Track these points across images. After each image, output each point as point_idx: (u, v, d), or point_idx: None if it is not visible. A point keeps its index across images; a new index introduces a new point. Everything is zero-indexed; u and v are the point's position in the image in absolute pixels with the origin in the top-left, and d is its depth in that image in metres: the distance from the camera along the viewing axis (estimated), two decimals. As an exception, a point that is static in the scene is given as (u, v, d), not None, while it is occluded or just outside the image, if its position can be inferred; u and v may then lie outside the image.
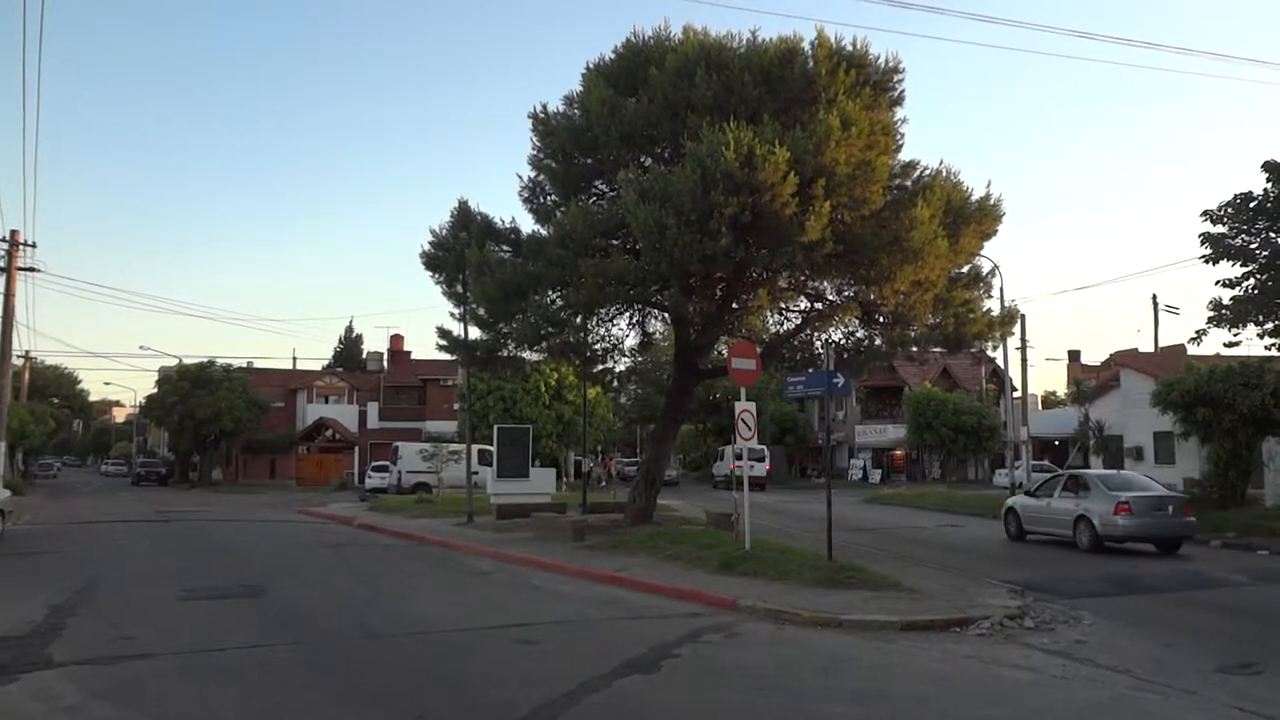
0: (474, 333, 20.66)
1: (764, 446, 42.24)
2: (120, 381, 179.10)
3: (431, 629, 9.59)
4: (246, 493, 45.98)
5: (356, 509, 29.31)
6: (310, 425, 58.75)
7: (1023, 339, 34.71)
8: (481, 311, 19.03)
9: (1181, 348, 31.83)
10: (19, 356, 44.16)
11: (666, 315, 19.49)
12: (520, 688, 7.03)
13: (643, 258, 15.38)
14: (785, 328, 19.59)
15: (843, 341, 18.68)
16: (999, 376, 42.93)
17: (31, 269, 34.12)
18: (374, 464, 45.85)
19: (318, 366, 71.94)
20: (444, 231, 19.99)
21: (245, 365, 59.83)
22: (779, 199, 13.76)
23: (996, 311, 19.49)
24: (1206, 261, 23.03)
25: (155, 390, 54.75)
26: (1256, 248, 22.44)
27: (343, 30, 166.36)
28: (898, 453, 53.31)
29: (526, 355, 20.62)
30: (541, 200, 19.22)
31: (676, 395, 20.39)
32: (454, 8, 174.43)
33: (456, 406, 49.18)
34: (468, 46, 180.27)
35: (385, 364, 65.73)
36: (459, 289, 20.28)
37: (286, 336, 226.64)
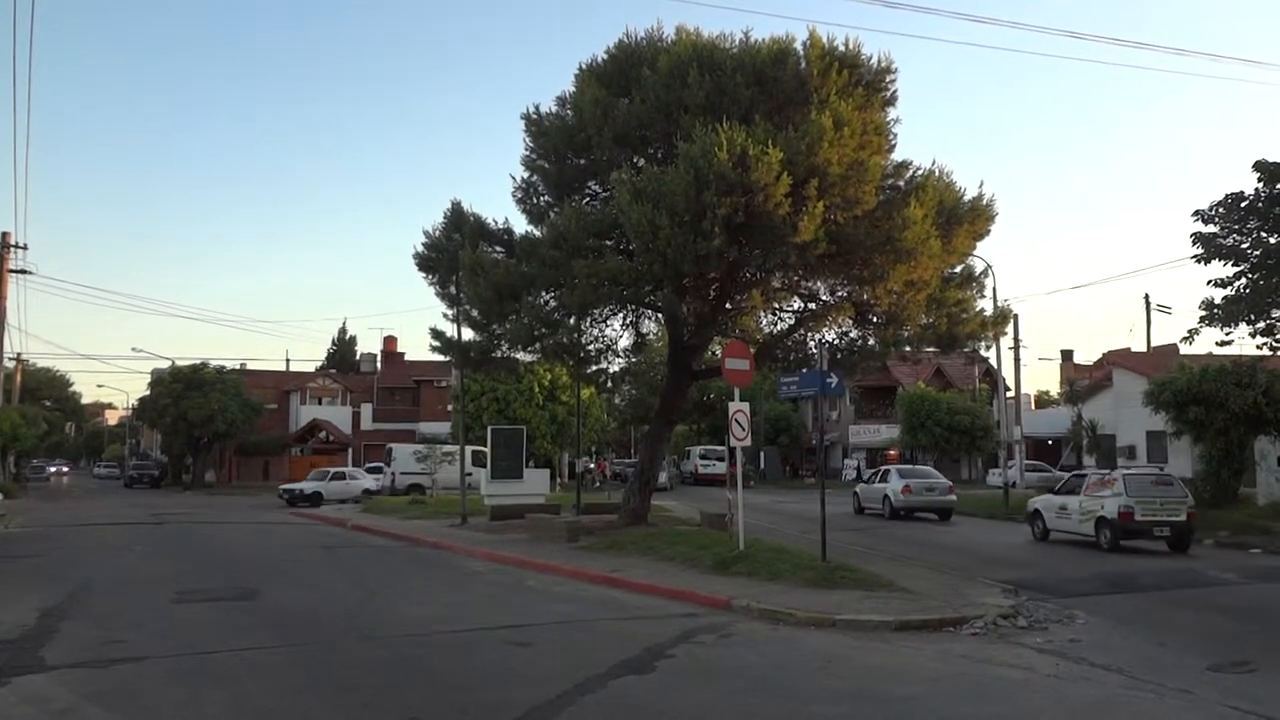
0: (467, 334, 20.66)
1: (724, 447, 42.39)
2: (113, 384, 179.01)
3: (425, 630, 9.57)
4: (240, 495, 45.85)
5: (351, 510, 29.28)
6: (304, 427, 58.67)
7: (1016, 339, 34.85)
8: (475, 313, 19.02)
9: (1174, 347, 32.03)
10: (10, 359, 43.98)
11: (660, 316, 19.48)
12: (515, 689, 7.03)
13: (636, 258, 15.38)
14: (779, 328, 19.60)
15: (836, 341, 18.71)
16: (992, 376, 43.00)
17: (23, 271, 34.16)
18: (368, 466, 45.77)
19: (311, 368, 72.02)
20: (437, 233, 19.97)
21: (238, 367, 59.72)
22: (772, 199, 13.78)
23: (989, 311, 19.54)
24: (1198, 261, 23.14)
25: (148, 392, 54.57)
26: (1248, 247, 22.55)
27: (335, 33, 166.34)
28: (891, 453, 53.30)
29: (520, 356, 20.61)
30: (535, 201, 19.21)
31: (670, 396, 20.40)
32: (448, 10, 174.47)
33: (450, 408, 49.15)
34: (461, 48, 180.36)
35: (379, 365, 65.72)
36: (452, 290, 20.27)
37: (280, 338, 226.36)
